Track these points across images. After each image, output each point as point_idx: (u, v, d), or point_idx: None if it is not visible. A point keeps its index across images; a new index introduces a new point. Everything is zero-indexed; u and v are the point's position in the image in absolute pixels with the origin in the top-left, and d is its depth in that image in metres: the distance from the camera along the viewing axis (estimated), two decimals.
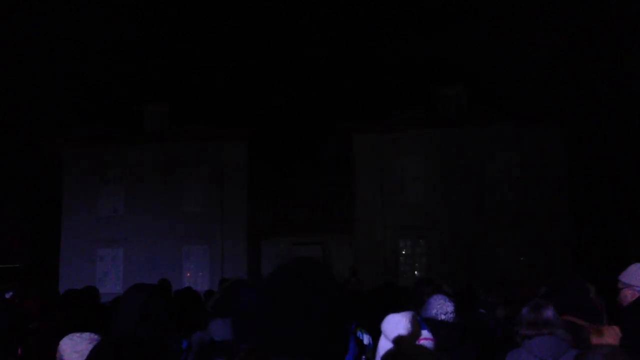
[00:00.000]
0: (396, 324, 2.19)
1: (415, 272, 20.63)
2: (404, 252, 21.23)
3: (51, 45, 28.79)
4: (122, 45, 29.79)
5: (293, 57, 32.13)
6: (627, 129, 22.15)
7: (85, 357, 2.55)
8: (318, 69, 31.52)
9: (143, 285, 2.70)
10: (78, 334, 2.70)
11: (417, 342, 2.18)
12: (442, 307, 3.72)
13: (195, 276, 21.73)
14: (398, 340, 2.15)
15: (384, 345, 2.23)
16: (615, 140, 22.61)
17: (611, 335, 3.55)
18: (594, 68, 23.17)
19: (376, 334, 2.57)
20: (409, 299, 8.04)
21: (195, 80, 28.76)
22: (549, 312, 3.12)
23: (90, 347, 2.57)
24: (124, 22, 30.45)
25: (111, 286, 20.60)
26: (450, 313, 3.70)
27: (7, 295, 8.65)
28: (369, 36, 32.76)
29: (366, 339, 3.60)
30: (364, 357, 3.45)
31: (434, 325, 3.57)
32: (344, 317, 1.29)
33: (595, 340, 3.57)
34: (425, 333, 2.24)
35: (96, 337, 2.67)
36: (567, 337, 3.09)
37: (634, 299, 3.66)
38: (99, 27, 30.61)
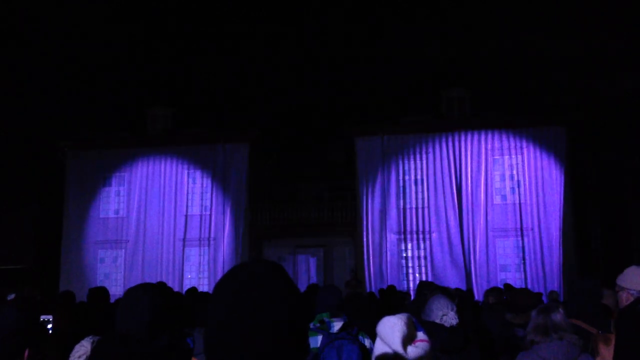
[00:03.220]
0: (392, 326, 2.18)
1: (417, 275, 20.59)
2: (405, 255, 21.19)
3: (56, 48, 28.86)
4: (126, 48, 29.86)
5: (297, 60, 32.18)
6: (631, 131, 22.13)
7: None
8: (322, 72, 31.55)
9: (150, 284, 2.67)
10: (87, 338, 2.68)
11: (413, 344, 2.18)
12: (443, 310, 3.71)
13: (196, 278, 21.73)
14: (393, 342, 2.15)
15: (380, 347, 2.23)
16: (619, 142, 22.59)
17: None
18: (597, 71, 23.17)
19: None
20: (412, 302, 8.04)
21: (198, 84, 28.83)
22: (558, 316, 3.09)
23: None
24: (129, 26, 30.52)
25: (112, 288, 20.59)
26: (452, 316, 3.69)
27: (10, 297, 8.66)
28: (373, 40, 32.78)
29: (367, 343, 3.59)
30: None
31: (436, 328, 3.56)
32: (303, 323, 1.22)
33: (602, 348, 3.55)
34: (420, 335, 2.23)
35: (98, 338, 2.66)
36: (579, 343, 3.06)
37: (628, 302, 3.67)
38: (103, 30, 30.69)
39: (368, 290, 18.89)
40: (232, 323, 1.15)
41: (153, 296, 2.49)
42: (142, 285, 2.66)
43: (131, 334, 2.39)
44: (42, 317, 5.04)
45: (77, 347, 2.64)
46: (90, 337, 2.69)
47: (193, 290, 6.97)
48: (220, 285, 1.23)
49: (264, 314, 1.15)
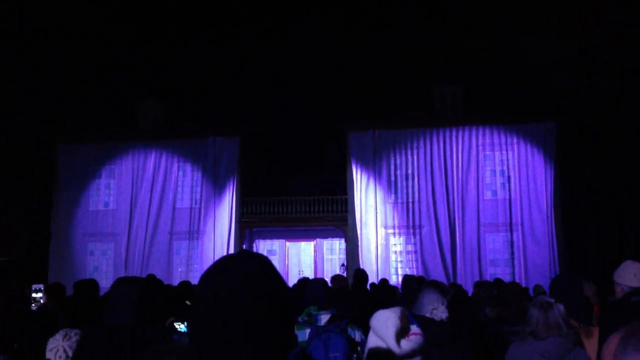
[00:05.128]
0: (385, 320, 2.18)
1: (407, 270, 20.67)
2: (395, 250, 21.26)
3: (47, 42, 28.60)
4: (117, 43, 29.65)
5: (290, 56, 32.11)
6: (622, 129, 22.30)
7: (59, 353, 2.53)
8: (315, 67, 31.51)
9: (135, 277, 2.67)
10: (60, 332, 2.66)
11: (406, 338, 2.18)
12: (434, 304, 3.72)
13: (187, 271, 21.67)
14: (387, 336, 2.15)
15: (373, 340, 2.23)
16: (610, 139, 22.76)
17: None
18: (587, 68, 23.31)
19: (368, 329, 2.57)
20: (402, 296, 8.06)
21: (190, 77, 28.70)
22: (560, 312, 3.12)
23: (66, 343, 2.55)
24: (120, 21, 30.30)
25: (102, 281, 20.49)
26: (443, 310, 3.70)
27: None
28: (366, 36, 32.77)
29: (357, 336, 3.60)
30: (355, 355, 3.45)
31: (427, 322, 3.57)
32: (288, 315, 1.21)
33: (584, 340, 3.60)
34: (414, 328, 2.23)
35: (74, 332, 2.64)
36: (573, 337, 3.10)
37: (619, 297, 3.74)
38: (95, 25, 30.46)
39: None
40: (216, 313, 1.15)
41: (139, 289, 2.49)
42: (128, 278, 2.67)
43: (118, 326, 2.39)
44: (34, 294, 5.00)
45: (50, 340, 2.63)
46: (63, 330, 2.67)
47: (186, 283, 6.95)
48: (206, 276, 1.23)
49: (248, 305, 1.14)
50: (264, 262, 1.23)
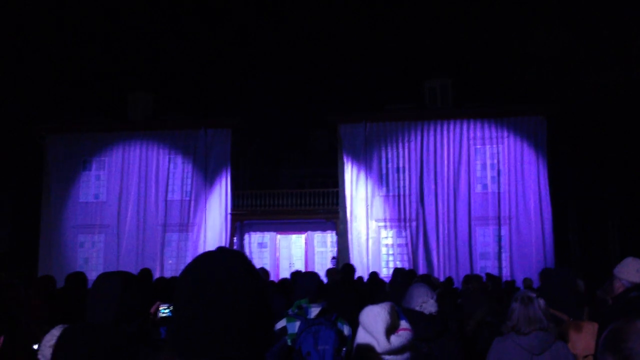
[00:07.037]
0: (375, 316, 2.18)
1: (398, 262, 20.74)
2: (386, 243, 21.32)
3: (36, 32, 28.28)
4: (107, 33, 29.38)
5: (281, 47, 31.99)
6: (611, 123, 22.42)
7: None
8: (306, 60, 31.42)
9: (119, 272, 2.64)
10: (57, 327, 2.63)
11: (396, 333, 2.19)
12: (423, 298, 3.74)
13: (177, 264, 21.62)
14: (377, 331, 2.15)
15: (362, 336, 2.23)
16: (600, 133, 22.89)
17: (589, 331, 3.62)
18: (578, 62, 23.39)
19: (357, 323, 2.58)
20: (391, 289, 8.11)
21: (180, 69, 28.53)
22: (540, 307, 3.14)
23: None
24: (110, 11, 30.01)
25: (92, 273, 20.42)
26: (432, 304, 3.72)
27: None
28: (357, 29, 32.70)
29: (346, 330, 3.61)
30: (344, 349, 3.46)
31: (415, 316, 3.59)
32: (264, 311, 1.22)
33: (573, 335, 3.64)
34: (403, 323, 2.24)
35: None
36: (555, 331, 3.13)
37: (619, 291, 3.78)
38: (84, 14, 30.14)
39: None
40: (196, 311, 1.16)
41: (121, 284, 2.46)
42: (111, 273, 2.63)
43: (99, 322, 2.36)
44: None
45: (47, 336, 2.59)
46: (61, 325, 2.64)
47: (173, 279, 6.94)
48: (185, 273, 1.24)
49: (229, 303, 1.16)
50: (243, 260, 1.25)
